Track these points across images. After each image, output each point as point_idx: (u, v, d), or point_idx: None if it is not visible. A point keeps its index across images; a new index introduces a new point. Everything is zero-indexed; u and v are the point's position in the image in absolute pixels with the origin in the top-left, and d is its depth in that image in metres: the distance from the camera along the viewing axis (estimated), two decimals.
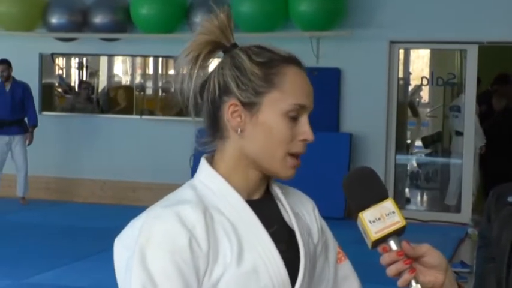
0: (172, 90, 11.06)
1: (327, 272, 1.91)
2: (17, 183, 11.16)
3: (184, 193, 1.77)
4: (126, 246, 1.73)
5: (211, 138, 1.82)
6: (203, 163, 1.82)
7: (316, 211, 1.93)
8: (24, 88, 11.13)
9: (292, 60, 1.79)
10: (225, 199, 1.76)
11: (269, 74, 1.75)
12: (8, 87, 11.06)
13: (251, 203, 1.79)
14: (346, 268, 1.95)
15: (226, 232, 1.72)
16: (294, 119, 1.75)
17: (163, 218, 1.70)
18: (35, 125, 11.15)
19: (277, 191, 1.87)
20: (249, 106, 1.75)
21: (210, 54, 1.79)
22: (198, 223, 1.69)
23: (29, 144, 11.10)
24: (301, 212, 1.90)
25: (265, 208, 1.81)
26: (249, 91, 1.74)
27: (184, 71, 1.78)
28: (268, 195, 1.86)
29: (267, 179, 1.84)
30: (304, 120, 1.76)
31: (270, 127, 1.74)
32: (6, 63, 11.03)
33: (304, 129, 1.76)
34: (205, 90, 1.79)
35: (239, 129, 1.76)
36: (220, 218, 1.73)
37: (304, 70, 1.81)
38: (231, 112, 1.76)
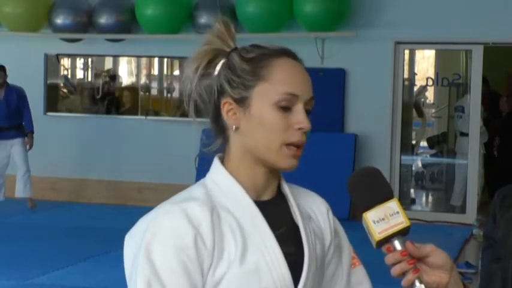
0: (179, 94, 11.09)
1: (339, 276, 1.91)
2: (16, 183, 10.81)
3: (194, 191, 1.79)
4: (134, 241, 1.75)
5: (217, 140, 1.85)
6: (215, 162, 1.84)
7: (331, 213, 1.93)
8: (19, 93, 10.74)
9: (283, 53, 1.81)
10: (233, 198, 1.78)
11: (257, 68, 1.77)
12: (2, 95, 10.67)
13: (260, 203, 1.79)
14: (360, 274, 1.94)
15: (232, 230, 1.73)
16: (286, 109, 1.75)
17: (170, 214, 1.72)
18: (31, 131, 10.80)
19: (287, 191, 1.87)
20: (241, 101, 1.77)
21: (211, 62, 1.82)
22: (204, 221, 1.71)
23: (29, 149, 10.84)
24: (314, 214, 1.90)
25: (275, 209, 1.82)
26: (239, 87, 1.77)
27: (188, 80, 1.83)
28: (280, 196, 1.86)
29: (276, 177, 1.84)
30: (298, 109, 1.76)
31: (261, 119, 1.75)
32: (1, 69, 10.70)
33: (299, 118, 1.75)
34: (209, 95, 1.83)
35: (234, 126, 1.78)
36: (228, 216, 1.75)
37: (299, 61, 1.82)
38: (226, 111, 1.79)
